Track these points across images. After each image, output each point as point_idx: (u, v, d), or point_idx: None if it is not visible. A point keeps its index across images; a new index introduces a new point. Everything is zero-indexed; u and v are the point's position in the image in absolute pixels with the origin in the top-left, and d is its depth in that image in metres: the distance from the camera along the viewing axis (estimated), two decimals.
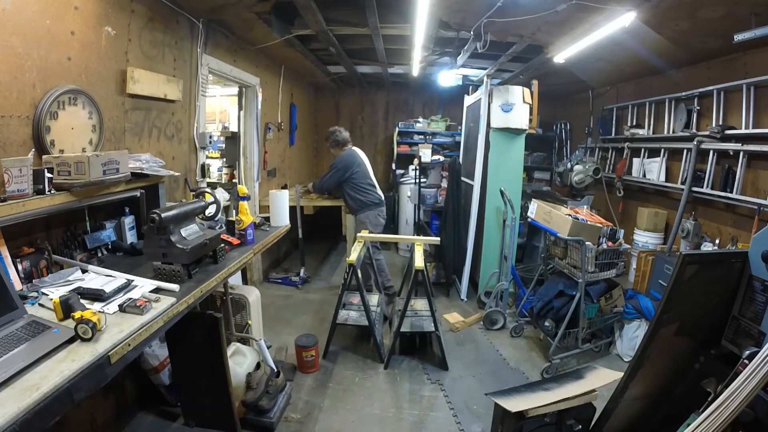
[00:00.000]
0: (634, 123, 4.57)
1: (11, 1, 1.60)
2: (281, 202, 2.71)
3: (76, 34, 1.92)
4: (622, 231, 3.07)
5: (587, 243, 2.79)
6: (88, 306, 1.34)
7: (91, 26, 2.01)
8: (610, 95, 5.19)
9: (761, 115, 3.06)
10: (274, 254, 4.96)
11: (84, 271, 1.68)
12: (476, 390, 2.70)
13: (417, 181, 4.92)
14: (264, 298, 3.14)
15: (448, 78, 4.74)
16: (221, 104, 6.35)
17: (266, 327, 3.18)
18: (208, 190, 2.08)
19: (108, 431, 2.14)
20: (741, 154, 3.12)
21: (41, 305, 1.39)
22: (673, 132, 3.91)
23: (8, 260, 1.49)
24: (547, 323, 3.05)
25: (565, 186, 5.03)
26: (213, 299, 2.56)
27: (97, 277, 1.63)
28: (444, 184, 5.25)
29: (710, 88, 3.43)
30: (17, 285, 1.49)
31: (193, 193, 2.22)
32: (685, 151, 3.71)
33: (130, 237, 2.14)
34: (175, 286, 1.59)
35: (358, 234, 3.49)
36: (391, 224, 6.09)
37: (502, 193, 3.68)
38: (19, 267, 1.54)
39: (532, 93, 3.94)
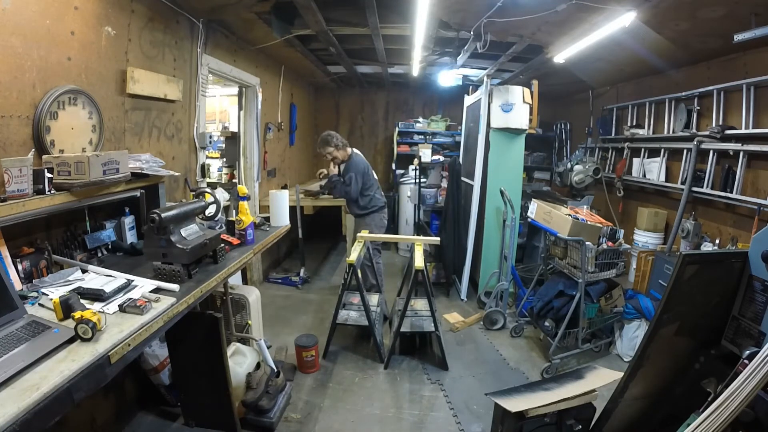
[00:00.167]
0: (634, 123, 4.57)
1: (11, 1, 1.60)
2: (281, 202, 2.71)
3: (76, 34, 1.92)
4: (622, 231, 3.07)
5: (587, 243, 2.79)
6: (88, 306, 1.34)
7: (91, 26, 2.01)
8: (610, 95, 5.19)
9: (761, 115, 3.06)
10: (274, 254, 4.96)
11: (84, 271, 1.68)
12: (476, 390, 2.70)
13: (417, 181, 4.92)
14: (264, 298, 3.14)
15: (448, 78, 4.74)
16: (221, 104, 6.35)
17: (266, 327, 3.18)
18: (208, 190, 2.08)
19: (108, 431, 2.14)
20: (741, 154, 3.12)
21: (41, 305, 1.39)
22: (673, 132, 3.91)
23: (8, 260, 1.49)
24: (547, 323, 3.05)
25: (565, 186, 5.04)
26: (213, 299, 2.56)
27: (97, 277, 1.63)
28: (444, 184, 5.25)
29: (710, 88, 3.43)
30: (17, 285, 1.49)
31: (193, 193, 2.22)
32: (685, 151, 3.71)
33: (130, 237, 2.14)
34: (175, 286, 1.59)
35: (358, 234, 3.49)
36: (391, 224, 6.08)
37: (502, 193, 3.68)
38: (19, 267, 1.54)
39: (532, 93, 3.94)
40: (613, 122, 5.02)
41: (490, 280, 3.86)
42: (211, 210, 2.06)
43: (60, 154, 1.77)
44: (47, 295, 1.45)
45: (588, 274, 2.82)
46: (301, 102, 5.83)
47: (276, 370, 2.47)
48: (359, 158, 3.87)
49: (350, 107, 6.89)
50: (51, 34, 1.78)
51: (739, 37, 2.51)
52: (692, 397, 1.56)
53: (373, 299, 3.46)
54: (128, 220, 2.13)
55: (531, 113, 3.93)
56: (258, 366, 2.47)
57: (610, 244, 2.91)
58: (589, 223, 2.94)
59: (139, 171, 2.05)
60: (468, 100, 4.76)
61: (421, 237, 3.77)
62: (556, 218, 3.06)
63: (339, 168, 3.91)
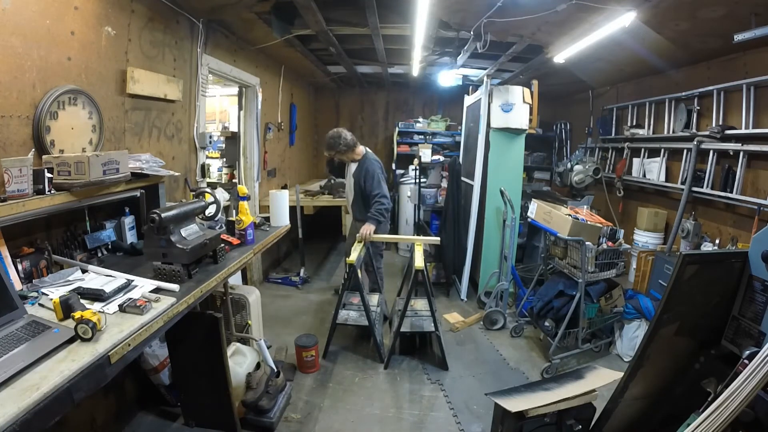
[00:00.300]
0: (634, 123, 4.57)
1: (11, 1, 1.60)
2: (281, 202, 2.71)
3: (76, 34, 1.92)
4: (622, 231, 3.07)
5: (587, 243, 2.79)
6: (88, 306, 1.34)
7: (91, 26, 2.01)
8: (610, 95, 5.19)
9: (761, 115, 3.06)
10: (274, 254, 4.96)
11: (84, 271, 1.68)
12: (476, 390, 2.70)
13: (417, 181, 4.92)
14: (264, 298, 3.14)
15: (448, 78, 4.74)
16: (221, 104, 6.36)
17: (266, 327, 3.18)
18: (208, 190, 2.08)
19: (108, 431, 2.14)
20: (741, 154, 3.12)
21: (41, 305, 1.39)
22: (673, 132, 3.91)
23: (8, 260, 1.49)
24: (547, 323, 3.05)
25: (565, 186, 5.03)
26: (213, 299, 2.56)
27: (97, 277, 1.63)
28: (444, 184, 5.25)
29: (710, 88, 3.43)
30: (17, 285, 1.49)
31: (193, 193, 2.22)
32: (685, 151, 3.71)
33: (130, 237, 2.14)
34: (175, 286, 1.59)
35: (358, 234, 3.47)
36: (391, 224, 6.09)
37: (502, 193, 3.68)
38: (19, 267, 1.54)
39: (532, 93, 3.94)
40: (613, 122, 5.02)
41: (490, 280, 3.86)
42: (211, 210, 2.06)
43: (60, 154, 1.77)
44: (47, 295, 1.45)
45: (588, 274, 2.81)
46: (301, 102, 5.83)
47: (276, 370, 2.47)
48: (369, 154, 3.49)
49: (350, 107, 6.89)
50: (51, 34, 1.78)
51: (739, 37, 2.51)
52: (692, 397, 1.56)
53: (373, 299, 3.45)
54: (128, 220, 2.14)
55: (531, 113, 3.93)
56: (258, 366, 2.47)
57: (610, 244, 2.91)
58: (589, 223, 2.94)
59: (139, 171, 2.05)
60: (468, 100, 4.76)
61: (421, 237, 3.76)
62: (556, 218, 3.06)
63: (333, 162, 3.60)
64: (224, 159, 4.27)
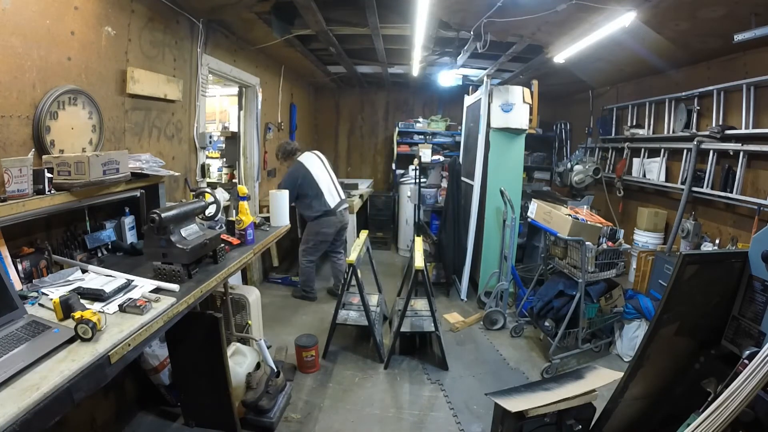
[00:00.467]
0: (634, 123, 4.57)
1: (11, 1, 1.60)
2: (281, 202, 2.71)
3: (76, 34, 1.92)
4: (622, 231, 3.07)
5: (587, 243, 2.79)
6: (88, 306, 1.34)
7: (91, 26, 2.01)
8: (610, 95, 5.19)
9: (761, 115, 3.06)
10: (280, 252, 4.95)
11: (84, 271, 1.68)
12: (476, 390, 2.70)
13: (417, 181, 4.92)
14: (264, 298, 3.14)
15: (448, 78, 4.74)
16: (221, 104, 6.36)
17: (266, 327, 3.18)
18: (208, 190, 2.08)
19: (108, 431, 2.14)
20: (741, 154, 3.12)
21: (41, 305, 1.39)
22: (673, 132, 3.91)
23: (8, 260, 1.49)
24: (547, 323, 3.05)
25: (565, 186, 5.04)
26: (213, 299, 2.56)
27: (97, 277, 1.63)
28: (444, 184, 5.25)
29: (710, 88, 3.43)
30: (17, 285, 1.49)
31: (193, 193, 2.22)
32: (685, 151, 3.71)
33: (130, 237, 2.14)
34: (175, 286, 1.59)
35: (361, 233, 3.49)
36: (391, 224, 6.11)
37: (502, 193, 3.68)
38: (19, 267, 1.54)
39: (532, 93, 3.94)
40: (613, 122, 5.02)
41: (490, 280, 3.86)
42: (211, 210, 2.06)
43: (60, 154, 1.77)
44: (47, 295, 1.45)
45: (588, 274, 2.81)
46: (301, 102, 5.83)
47: (276, 370, 2.47)
48: (293, 166, 3.83)
49: (350, 107, 6.89)
50: (51, 34, 1.78)
51: (739, 37, 2.51)
52: (692, 397, 1.56)
53: (373, 299, 3.46)
54: (128, 220, 2.13)
55: (531, 113, 3.93)
56: (258, 366, 2.46)
57: (610, 244, 2.91)
58: (589, 223, 2.94)
59: (139, 171, 2.05)
60: (468, 100, 4.76)
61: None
62: (556, 218, 3.06)
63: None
64: (224, 159, 4.28)
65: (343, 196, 4.01)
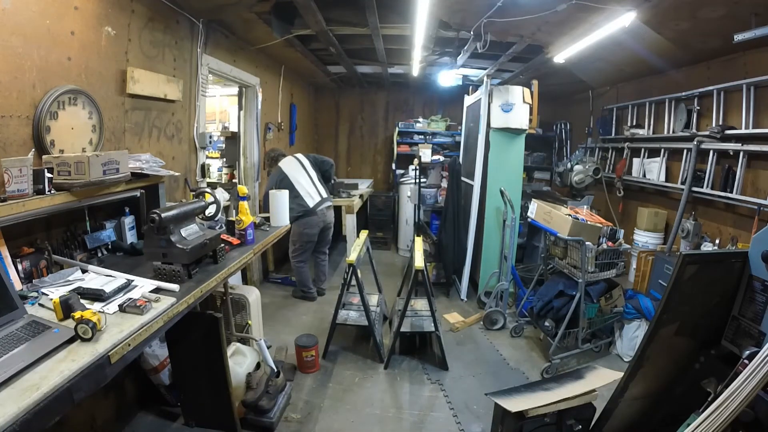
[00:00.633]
0: (634, 123, 4.57)
1: (11, 1, 1.60)
2: (281, 202, 2.71)
3: (76, 34, 1.92)
4: (622, 231, 3.07)
5: (587, 243, 2.79)
6: (88, 306, 1.34)
7: (91, 26, 2.01)
8: (610, 95, 5.19)
9: (761, 115, 3.06)
10: (274, 254, 4.95)
11: (84, 271, 1.68)
12: (476, 390, 2.70)
13: (417, 181, 4.92)
14: (264, 298, 3.14)
15: (448, 78, 4.74)
16: (221, 104, 6.35)
17: (266, 327, 3.18)
18: (208, 190, 2.08)
19: (108, 431, 2.14)
20: (741, 154, 3.11)
21: (41, 305, 1.39)
22: (673, 132, 3.91)
23: (8, 260, 1.49)
24: (547, 323, 3.05)
25: (565, 186, 5.03)
26: (213, 299, 2.56)
27: (97, 277, 1.63)
28: (444, 184, 5.25)
29: (710, 88, 3.43)
30: (17, 285, 1.49)
31: (193, 193, 2.22)
32: (685, 151, 3.71)
33: (130, 237, 2.14)
34: (175, 286, 1.59)
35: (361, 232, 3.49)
36: (391, 224, 6.11)
37: (502, 193, 3.68)
38: (19, 267, 1.54)
39: (532, 93, 3.94)
40: (613, 122, 5.02)
41: (490, 280, 3.86)
42: (211, 210, 2.06)
43: (60, 154, 1.77)
44: (47, 295, 1.45)
45: (588, 274, 2.81)
46: (301, 102, 5.83)
47: (276, 370, 2.47)
48: (276, 170, 3.86)
49: (350, 107, 6.89)
50: (51, 34, 1.78)
51: (739, 37, 2.51)
52: (692, 397, 1.56)
53: (373, 299, 3.46)
54: (128, 220, 2.14)
55: (531, 113, 3.93)
56: (258, 366, 2.46)
57: (610, 244, 2.91)
58: (589, 223, 2.94)
59: (139, 171, 2.05)
60: (468, 100, 4.76)
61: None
62: (556, 218, 3.06)
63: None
64: (224, 159, 4.28)
65: (325, 195, 4.01)
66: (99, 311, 1.30)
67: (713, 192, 3.37)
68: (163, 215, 1.63)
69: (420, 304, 3.27)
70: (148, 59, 2.47)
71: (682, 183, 3.68)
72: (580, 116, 5.76)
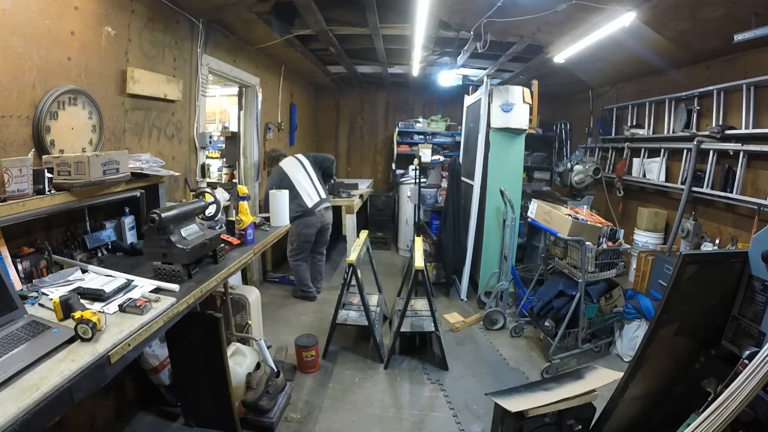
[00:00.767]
0: (634, 123, 4.57)
1: (11, 1, 1.60)
2: (281, 202, 2.71)
3: (76, 34, 1.92)
4: (622, 231, 3.07)
5: (587, 243, 2.79)
6: (88, 306, 1.34)
7: (91, 26, 2.01)
8: (610, 95, 5.19)
9: (761, 115, 3.06)
10: (274, 254, 4.95)
11: (84, 271, 1.68)
12: (476, 390, 2.70)
13: (417, 181, 4.92)
14: (264, 298, 3.14)
15: (448, 78, 4.74)
16: (221, 104, 6.35)
17: (266, 327, 3.18)
18: (208, 190, 2.08)
19: (108, 431, 2.14)
20: (741, 154, 3.11)
21: (41, 305, 1.39)
22: (673, 132, 3.91)
23: (8, 260, 1.49)
24: (547, 323, 3.05)
25: (565, 186, 5.03)
26: (213, 299, 2.56)
27: (97, 277, 1.63)
28: (444, 184, 5.25)
29: (710, 88, 3.43)
30: (17, 285, 1.49)
31: (193, 193, 2.22)
32: (685, 151, 3.71)
33: (130, 237, 2.14)
34: (175, 286, 1.59)
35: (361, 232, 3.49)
36: (391, 224, 6.11)
37: (502, 193, 3.68)
38: (19, 267, 1.54)
39: (532, 93, 3.94)
40: (613, 122, 5.02)
41: (490, 280, 3.86)
42: (211, 210, 2.06)
43: (60, 154, 1.77)
44: (47, 295, 1.45)
45: (588, 274, 2.81)
46: (301, 102, 5.83)
47: (276, 370, 2.47)
48: (277, 170, 3.87)
49: (350, 107, 6.89)
50: (51, 34, 1.78)
51: (739, 37, 2.51)
52: (692, 397, 1.56)
53: (373, 299, 3.46)
54: (128, 220, 2.13)
55: (531, 113, 3.93)
56: (258, 366, 2.47)
57: (610, 244, 2.91)
58: (589, 223, 2.94)
59: (139, 171, 2.05)
60: (468, 100, 4.76)
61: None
62: (556, 218, 3.06)
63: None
64: (224, 159, 4.28)
65: (324, 196, 4.01)
66: (99, 311, 1.30)
67: (713, 192, 3.37)
68: (163, 215, 1.63)
69: (420, 304, 3.27)
70: (148, 59, 2.47)
71: (682, 183, 3.68)
72: (580, 116, 5.76)
